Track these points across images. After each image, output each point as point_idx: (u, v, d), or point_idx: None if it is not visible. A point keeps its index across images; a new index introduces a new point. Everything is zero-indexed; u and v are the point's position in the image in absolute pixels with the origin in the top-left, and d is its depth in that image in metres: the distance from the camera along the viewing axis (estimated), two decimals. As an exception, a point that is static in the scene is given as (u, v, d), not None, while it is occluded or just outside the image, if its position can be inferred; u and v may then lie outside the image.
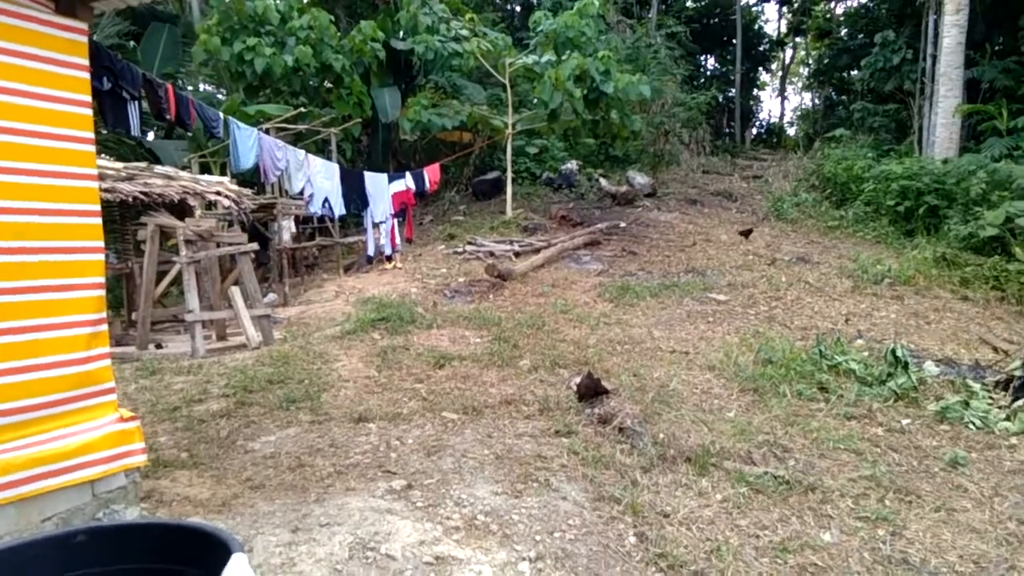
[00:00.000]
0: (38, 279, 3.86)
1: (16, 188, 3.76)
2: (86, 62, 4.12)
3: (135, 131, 4.61)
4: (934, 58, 18.46)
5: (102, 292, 4.24)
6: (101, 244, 4.23)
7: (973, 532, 4.18)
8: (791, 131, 35.80)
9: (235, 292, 7.67)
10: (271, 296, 10.66)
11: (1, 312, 3.69)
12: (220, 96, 16.14)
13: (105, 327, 4.29)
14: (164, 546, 2.20)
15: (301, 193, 7.29)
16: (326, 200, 7.65)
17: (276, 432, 5.32)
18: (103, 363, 4.23)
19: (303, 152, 7.42)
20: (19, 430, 3.75)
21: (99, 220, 4.20)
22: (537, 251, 12.03)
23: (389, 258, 11.37)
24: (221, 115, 5.88)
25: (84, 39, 4.12)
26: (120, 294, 9.31)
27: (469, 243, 12.52)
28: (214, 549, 2.00)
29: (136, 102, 4.64)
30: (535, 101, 13.98)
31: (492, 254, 11.87)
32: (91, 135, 4.17)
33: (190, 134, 10.74)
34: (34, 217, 3.84)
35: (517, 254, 12.01)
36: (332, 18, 13.97)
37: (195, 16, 15.40)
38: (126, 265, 8.99)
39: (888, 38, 20.71)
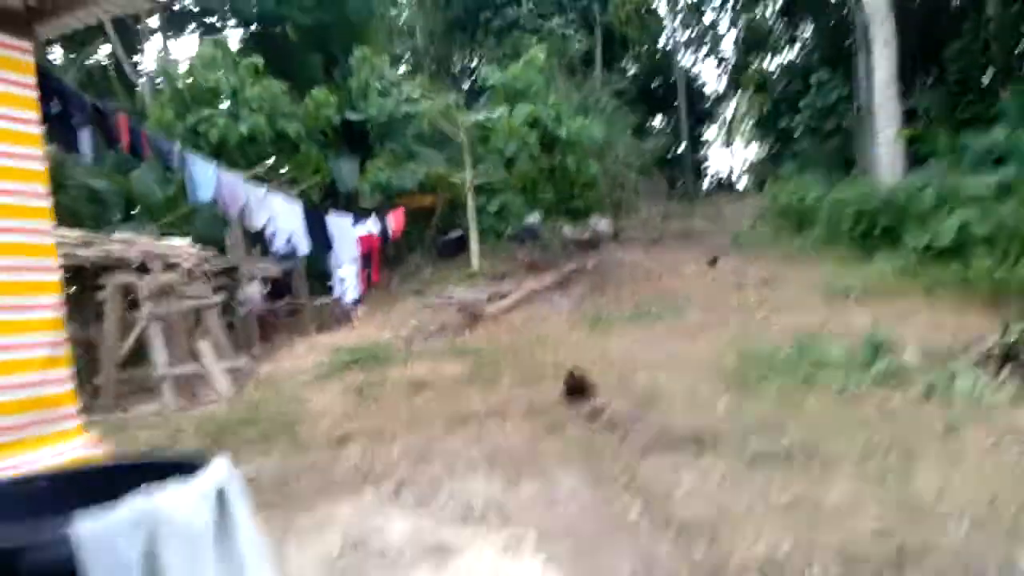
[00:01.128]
0: (-8, 297, 3.68)
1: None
2: (33, 80, 4.04)
3: (86, 156, 4.51)
4: (869, 92, 19.26)
5: (60, 314, 4.05)
6: (56, 263, 4.08)
7: (981, 478, 4.08)
8: (741, 183, 36.79)
9: (204, 346, 7.45)
10: (242, 364, 10.37)
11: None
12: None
13: (64, 350, 4.08)
14: (133, 483, 2.02)
15: (263, 231, 7.19)
16: (290, 239, 7.55)
17: (255, 461, 5.06)
18: (63, 387, 4.01)
19: (263, 189, 7.38)
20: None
21: (52, 239, 4.07)
22: (507, 296, 11.97)
23: (357, 304, 11.23)
24: (176, 146, 5.81)
25: (30, 58, 4.05)
26: (84, 364, 8.96)
27: (438, 295, 12.41)
28: (188, 473, 1.83)
29: (87, 128, 4.56)
30: (491, 152, 14.17)
31: (463, 303, 11.78)
32: (40, 153, 4.07)
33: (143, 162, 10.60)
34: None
35: (488, 300, 11.92)
36: (284, 88, 14.17)
37: (148, 100, 15.52)
38: (88, 333, 8.71)
39: (822, 78, 21.62)
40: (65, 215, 12.56)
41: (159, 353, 7.18)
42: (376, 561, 3.31)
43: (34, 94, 4.06)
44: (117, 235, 8.89)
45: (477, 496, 3.95)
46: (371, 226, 10.10)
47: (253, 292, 11.33)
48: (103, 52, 21.55)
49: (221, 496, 1.56)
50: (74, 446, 3.95)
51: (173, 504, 1.41)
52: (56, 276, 4.03)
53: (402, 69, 22.89)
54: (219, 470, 1.70)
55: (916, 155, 18.76)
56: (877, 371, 6.38)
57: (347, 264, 9.73)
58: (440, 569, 3.20)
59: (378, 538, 3.51)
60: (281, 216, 7.23)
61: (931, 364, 6.82)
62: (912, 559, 3.13)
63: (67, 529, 1.25)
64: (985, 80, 19.73)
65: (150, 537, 1.32)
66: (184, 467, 1.75)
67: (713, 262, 13.46)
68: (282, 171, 13.22)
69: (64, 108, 4.43)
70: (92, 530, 1.26)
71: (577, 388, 5.43)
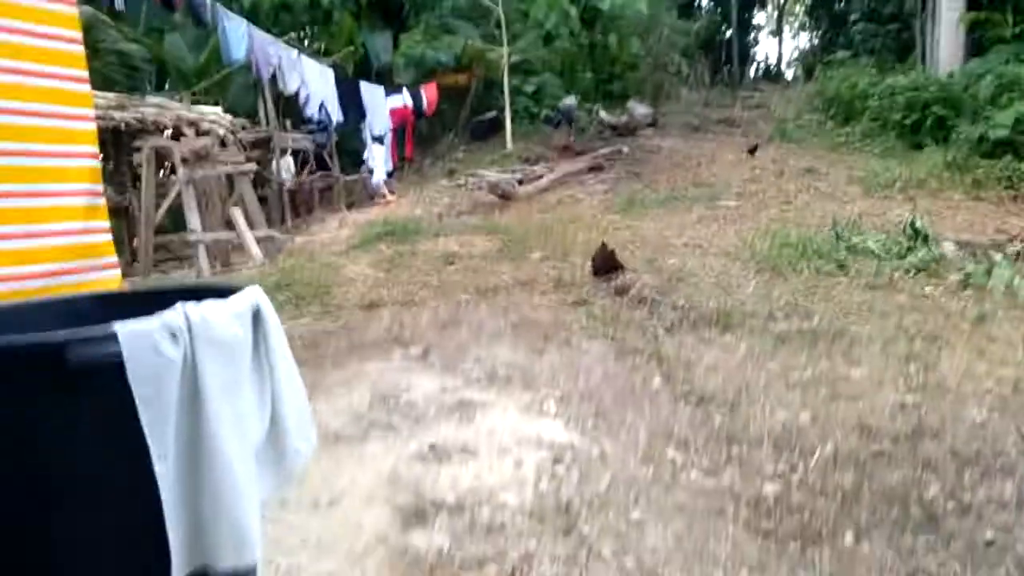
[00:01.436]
0: (27, 143, 3.70)
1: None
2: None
3: (120, 4, 4.43)
4: (935, -26, 18.00)
5: (97, 163, 4.09)
6: (91, 112, 4.07)
7: (1006, 365, 4.06)
8: (789, 73, 35.18)
9: (236, 212, 7.53)
10: (275, 233, 10.51)
11: (-4, 175, 3.54)
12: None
13: (103, 201, 4.14)
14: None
15: (297, 95, 7.10)
16: (323, 106, 7.45)
17: (287, 323, 5.19)
18: (104, 236, 4.09)
19: (295, 51, 7.23)
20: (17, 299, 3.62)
21: (87, 87, 4.04)
22: (540, 178, 11.83)
23: (391, 191, 11.21)
24: (208, 1, 5.69)
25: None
26: (120, 231, 9.16)
27: (471, 175, 12.31)
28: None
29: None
30: (530, 27, 13.65)
31: (495, 184, 11.68)
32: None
33: (176, 15, 10.42)
34: (18, 77, 3.67)
35: (520, 182, 11.79)
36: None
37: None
38: (124, 198, 8.84)
39: (887, -43, 20.22)
40: (97, 80, 12.50)
41: (193, 218, 7.29)
42: (403, 414, 3.43)
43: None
44: (150, 98, 8.85)
45: (502, 361, 4.05)
46: (405, 98, 9.91)
47: (285, 166, 11.34)
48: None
49: (256, 317, 1.61)
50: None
51: (212, 316, 1.46)
52: (92, 125, 4.02)
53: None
54: (253, 294, 1.74)
55: (978, 43, 17.71)
56: (913, 260, 6.27)
57: (374, 144, 9.62)
58: (464, 424, 3.32)
59: (405, 395, 3.63)
60: (313, 81, 7.12)
61: (970, 256, 6.69)
62: (930, 434, 3.17)
63: (111, 327, 1.30)
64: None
65: (190, 343, 1.38)
66: (221, 292, 1.80)
67: (753, 151, 13.09)
68: (315, 43, 12.94)
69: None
70: (137, 330, 1.31)
71: (606, 264, 5.43)
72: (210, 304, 1.54)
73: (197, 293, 2.01)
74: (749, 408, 3.50)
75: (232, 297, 1.65)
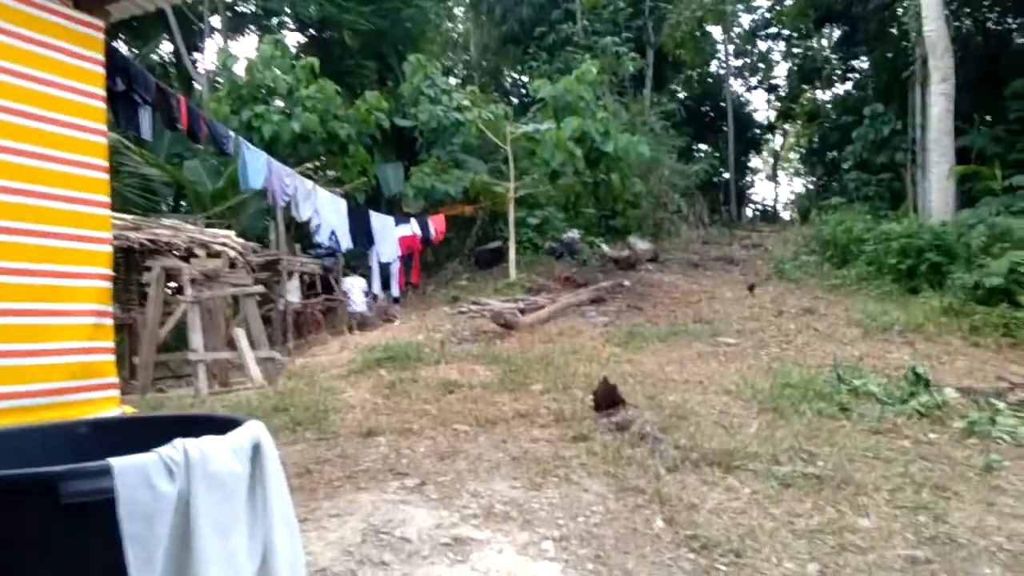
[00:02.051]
0: (45, 263, 3.79)
1: (30, 171, 3.74)
2: (102, 57, 4.19)
3: (147, 135, 4.64)
4: (923, 128, 18.91)
5: (108, 284, 4.17)
6: (109, 236, 4.19)
7: (1017, 519, 3.96)
8: (785, 215, 36.28)
9: (240, 333, 7.56)
10: (276, 355, 10.51)
11: (6, 292, 3.61)
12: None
13: (110, 321, 4.20)
14: (171, 435, 2.05)
15: (308, 222, 7.32)
16: (333, 233, 7.67)
17: (281, 448, 5.11)
18: (107, 356, 4.11)
19: (311, 182, 7.52)
20: (17, 417, 3.59)
21: (108, 212, 4.18)
22: (542, 308, 11.95)
23: (394, 316, 11.31)
24: (232, 133, 5.95)
25: (101, 36, 4.20)
26: (122, 347, 9.17)
27: (474, 303, 12.44)
28: (225, 431, 1.86)
29: (149, 107, 4.69)
30: (537, 164, 14.23)
31: (497, 312, 11.78)
32: (103, 127, 4.20)
33: (200, 146, 10.82)
34: (45, 201, 3.81)
35: (522, 311, 11.90)
36: (338, 89, 14.45)
37: (205, 95, 15.91)
38: (129, 315, 8.90)
39: (877, 110, 21.29)
40: (116, 200, 12.92)
41: (196, 338, 7.31)
42: (395, 551, 3.31)
43: (102, 71, 4.20)
44: (165, 220, 9.09)
45: (500, 497, 3.95)
46: (414, 227, 10.21)
47: (292, 287, 11.50)
48: (165, 50, 22.26)
49: (256, 453, 1.59)
50: (112, 415, 4.03)
51: (210, 452, 1.44)
52: (108, 248, 4.14)
53: (454, 81, 23.18)
54: (254, 429, 1.73)
55: (968, 194, 18.38)
56: (916, 406, 6.23)
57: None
58: (458, 563, 3.20)
59: (399, 529, 3.52)
60: (326, 210, 7.36)
61: (972, 403, 6.65)
62: (943, 592, 3.05)
63: (107, 463, 1.28)
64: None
65: (186, 479, 1.36)
66: (222, 424, 1.79)
67: (752, 289, 13.30)
68: (329, 171, 13.46)
69: (128, 87, 4.56)
70: (131, 465, 1.30)
71: (607, 399, 5.40)
72: (210, 439, 1.53)
73: (198, 423, 2.00)
74: (754, 556, 3.38)
75: (233, 432, 1.64)
